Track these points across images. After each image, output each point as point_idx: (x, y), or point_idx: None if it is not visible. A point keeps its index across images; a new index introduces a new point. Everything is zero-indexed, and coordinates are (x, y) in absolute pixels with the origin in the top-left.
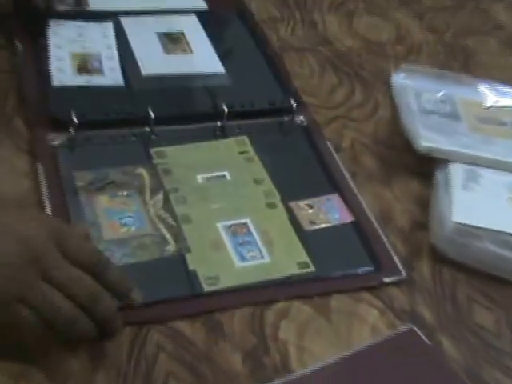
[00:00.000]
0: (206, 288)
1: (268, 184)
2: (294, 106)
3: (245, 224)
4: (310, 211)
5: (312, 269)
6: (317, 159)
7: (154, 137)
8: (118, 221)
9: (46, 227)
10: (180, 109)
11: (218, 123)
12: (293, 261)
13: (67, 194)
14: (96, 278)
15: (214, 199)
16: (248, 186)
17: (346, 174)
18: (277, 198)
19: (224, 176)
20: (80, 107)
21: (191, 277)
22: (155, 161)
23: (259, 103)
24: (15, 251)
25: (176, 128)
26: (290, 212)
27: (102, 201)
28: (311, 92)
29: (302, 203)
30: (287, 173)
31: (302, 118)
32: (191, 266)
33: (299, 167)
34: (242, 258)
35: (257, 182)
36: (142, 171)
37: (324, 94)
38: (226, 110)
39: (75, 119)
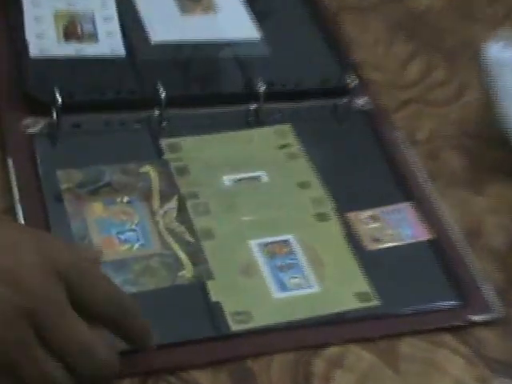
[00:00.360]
0: (234, 327)
1: (317, 189)
2: (353, 84)
3: (286, 242)
4: (374, 225)
5: (375, 302)
6: (383, 156)
7: (165, 123)
8: (116, 236)
9: (42, 253)
10: (200, 87)
11: (252, 106)
12: (350, 291)
13: (47, 199)
14: (111, 328)
15: (246, 209)
16: (291, 192)
17: (422, 176)
18: (329, 208)
19: (258, 178)
20: (66, 84)
21: (214, 312)
22: (167, 156)
23: (307, 81)
24: (2, 296)
25: (195, 112)
26: (346, 226)
27: (95, 209)
28: (376, 66)
29: (363, 215)
30: (343, 174)
31: (363, 100)
32: (214, 298)
33: (359, 166)
34: (282, 287)
35: (302, 185)
36: (149, 170)
37: (393, 68)
38: (262, 89)
39: (59, 99)
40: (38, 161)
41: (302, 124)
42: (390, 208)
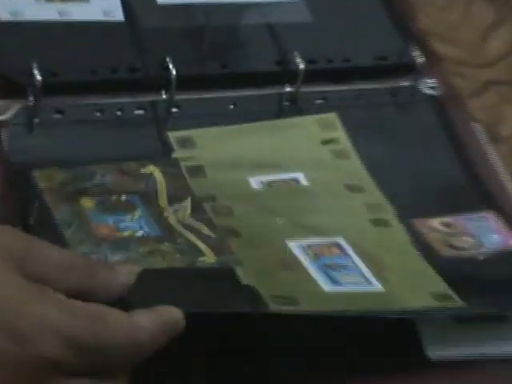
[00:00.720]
0: (274, 307)
1: (373, 193)
2: (419, 61)
3: (336, 244)
4: (448, 230)
5: (459, 303)
6: (456, 154)
7: (175, 111)
8: (114, 224)
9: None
10: (220, 63)
11: (287, 89)
12: (424, 291)
13: (23, 199)
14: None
15: (280, 212)
16: (338, 196)
17: (507, 180)
18: (389, 214)
19: (296, 180)
20: (47, 58)
21: (247, 293)
22: (176, 154)
23: (359, 56)
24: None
25: (213, 96)
26: (412, 232)
27: (85, 204)
28: (448, 37)
29: (434, 221)
30: (405, 176)
31: (430, 82)
32: (245, 281)
33: (425, 166)
34: (334, 282)
35: (353, 189)
36: (153, 171)
37: (471, 40)
38: (301, 66)
39: (38, 78)
40: (9, 157)
41: (351, 112)
42: (468, 216)
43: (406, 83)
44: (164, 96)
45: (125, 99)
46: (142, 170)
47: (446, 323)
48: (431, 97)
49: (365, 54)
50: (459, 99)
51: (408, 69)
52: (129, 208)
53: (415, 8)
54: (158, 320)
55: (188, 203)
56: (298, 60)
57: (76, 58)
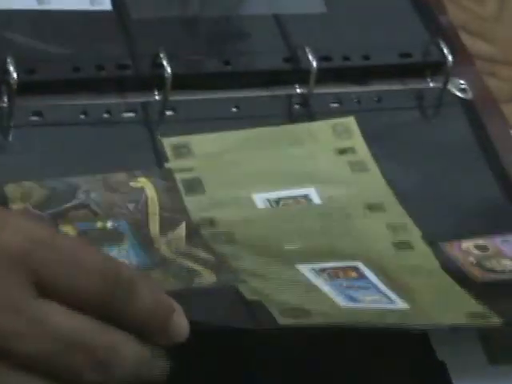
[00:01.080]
0: (283, 321)
1: (396, 212)
2: (449, 59)
3: (353, 267)
4: (483, 253)
5: (497, 320)
6: (490, 165)
7: (169, 113)
8: None
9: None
10: (222, 60)
11: (298, 90)
12: (459, 310)
13: None
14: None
15: (289, 236)
16: (356, 217)
17: None
18: (414, 236)
19: (308, 197)
20: (24, 52)
21: (253, 308)
22: (171, 164)
23: (379, 53)
24: None
25: (214, 97)
26: (441, 256)
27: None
28: (482, 33)
29: (467, 244)
30: (432, 192)
31: (462, 84)
32: (250, 297)
33: (456, 180)
34: (351, 299)
35: (373, 208)
36: (145, 184)
37: (508, 36)
38: (314, 64)
39: (14, 76)
40: None
41: (371, 118)
42: (505, 237)
43: (433, 84)
44: (157, 97)
45: (112, 100)
46: (132, 184)
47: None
48: (462, 100)
49: (386, 51)
50: (494, 103)
51: (435, 68)
52: (116, 238)
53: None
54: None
55: (182, 230)
56: (310, 57)
57: (57, 52)
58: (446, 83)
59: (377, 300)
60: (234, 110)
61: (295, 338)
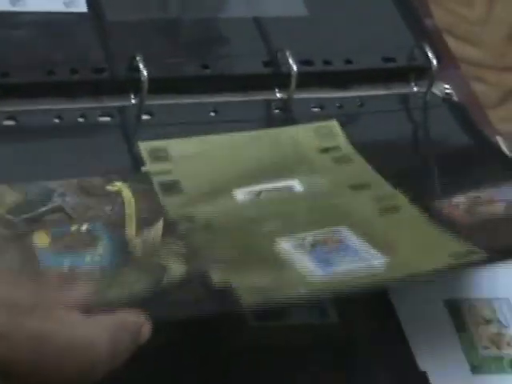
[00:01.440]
0: (248, 300)
1: (381, 186)
2: (434, 63)
3: (337, 232)
4: (473, 201)
5: (480, 255)
6: (476, 176)
7: (146, 117)
8: (69, 269)
9: None
10: (200, 63)
11: (278, 94)
12: (442, 252)
13: None
14: None
15: (269, 219)
16: (341, 195)
17: None
18: (401, 200)
19: (291, 188)
20: None
21: (221, 293)
22: (148, 167)
23: (362, 57)
24: None
25: (191, 102)
26: (430, 211)
27: (38, 240)
28: (468, 37)
29: (458, 199)
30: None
31: (446, 88)
32: (218, 279)
33: (439, 191)
34: (328, 263)
35: (357, 187)
36: (121, 188)
37: (495, 40)
38: (294, 68)
39: None
40: None
41: (354, 122)
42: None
43: (417, 89)
44: (133, 101)
45: (88, 104)
46: (108, 188)
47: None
48: (447, 106)
49: (369, 55)
50: (480, 108)
51: (420, 72)
52: (90, 243)
53: (430, 2)
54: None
55: (160, 228)
56: (291, 61)
57: (31, 55)
58: (430, 87)
59: (355, 260)
60: (212, 114)
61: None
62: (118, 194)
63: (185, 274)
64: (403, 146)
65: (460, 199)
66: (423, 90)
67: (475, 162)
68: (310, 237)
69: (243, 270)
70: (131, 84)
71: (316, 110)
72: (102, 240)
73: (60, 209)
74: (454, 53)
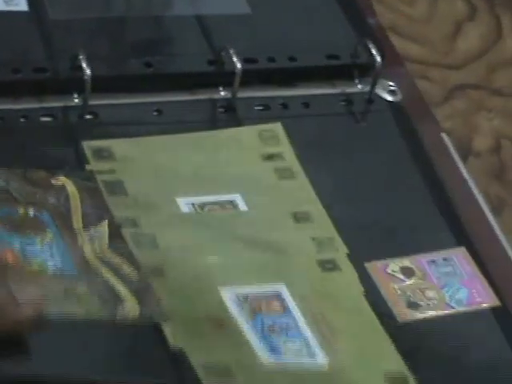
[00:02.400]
0: (207, 379)
1: (322, 224)
2: (378, 61)
3: (277, 296)
4: (408, 282)
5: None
6: (421, 174)
7: (89, 117)
8: (20, 250)
9: None
10: (143, 62)
11: (222, 93)
12: (378, 370)
13: None
14: None
15: (212, 246)
16: (281, 227)
17: (483, 206)
18: (340, 252)
19: (233, 203)
20: None
21: (176, 360)
22: (92, 166)
23: (306, 55)
24: None
25: (135, 101)
26: (366, 282)
27: None
28: (412, 34)
29: (392, 266)
30: (360, 201)
31: (391, 87)
32: (174, 341)
33: (385, 190)
34: (274, 350)
35: (299, 218)
36: (66, 183)
37: (439, 38)
38: (238, 66)
39: None
40: None
41: (299, 122)
42: (432, 256)
43: (361, 86)
44: (76, 100)
45: (29, 104)
46: (53, 181)
47: None
48: (392, 104)
49: (313, 52)
50: (424, 106)
51: (364, 70)
52: (38, 228)
53: (373, 0)
54: None
55: (105, 228)
56: (235, 59)
57: None
58: (374, 85)
59: (298, 351)
60: (156, 114)
61: None
62: (63, 187)
63: (139, 316)
64: (345, 159)
65: (394, 266)
66: (368, 87)
67: (415, 194)
68: (250, 297)
69: (199, 334)
70: (74, 83)
71: (260, 108)
72: (50, 229)
73: (6, 190)
74: (398, 51)
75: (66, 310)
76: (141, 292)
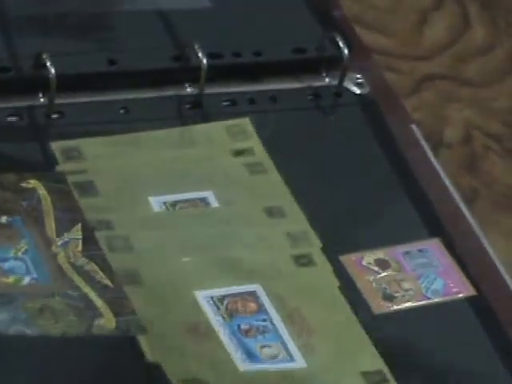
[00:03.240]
0: None
1: (295, 218)
2: (345, 53)
3: (252, 294)
4: (384, 274)
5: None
6: (392, 166)
7: (55, 117)
8: None
9: None
10: (107, 58)
11: (189, 89)
12: (354, 369)
13: None
14: None
15: (186, 245)
16: (254, 222)
17: (456, 197)
18: (314, 247)
19: (205, 200)
20: None
21: (153, 376)
22: (62, 166)
23: (272, 49)
24: None
25: (102, 99)
26: (341, 276)
27: None
28: (378, 25)
29: (367, 258)
30: (331, 194)
31: (359, 79)
32: (151, 358)
33: (356, 183)
34: (251, 356)
35: (272, 212)
36: (36, 185)
37: (406, 28)
38: (204, 62)
39: None
40: None
41: (267, 117)
42: (407, 247)
43: (329, 80)
44: (42, 100)
45: None
46: (23, 184)
47: None
48: (360, 96)
49: (279, 46)
50: (393, 98)
51: (331, 63)
52: (12, 236)
53: None
54: None
55: (79, 233)
56: (200, 54)
57: None
58: (342, 78)
59: (275, 356)
60: (122, 112)
61: None
62: (34, 190)
63: (115, 329)
64: (315, 153)
65: (369, 259)
66: (335, 81)
67: (387, 193)
68: (226, 298)
69: (175, 348)
70: (39, 82)
71: (227, 104)
72: (24, 236)
73: None
74: (365, 42)
75: (41, 328)
76: (116, 302)
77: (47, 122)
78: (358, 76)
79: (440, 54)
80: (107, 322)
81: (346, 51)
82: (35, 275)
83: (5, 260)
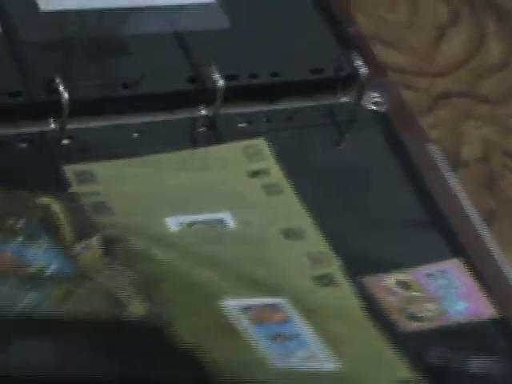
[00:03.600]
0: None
1: (314, 239)
2: (362, 71)
3: (277, 307)
4: (406, 295)
5: None
6: (410, 185)
7: (67, 142)
8: (14, 253)
9: None
10: (121, 82)
11: (204, 111)
12: (388, 377)
13: None
14: None
15: (206, 262)
16: (273, 244)
17: (475, 217)
18: (334, 267)
19: (222, 221)
20: None
21: (187, 362)
22: (75, 188)
23: (289, 70)
24: None
25: (114, 123)
26: (364, 296)
27: None
28: (394, 42)
29: (388, 280)
30: (349, 214)
31: (376, 97)
32: (187, 338)
33: (374, 203)
34: (282, 356)
35: (290, 234)
36: (51, 203)
37: (422, 45)
38: (220, 83)
39: None
40: None
41: (283, 137)
42: (428, 268)
43: (346, 99)
44: (53, 125)
45: (5, 130)
46: (38, 200)
47: None
48: (377, 115)
49: (296, 67)
50: (410, 116)
51: (348, 82)
52: (32, 235)
53: (354, 8)
54: None
55: (96, 242)
56: (216, 76)
57: None
58: (359, 97)
59: (306, 358)
60: (136, 135)
61: None
62: (48, 206)
63: (146, 315)
64: (332, 170)
65: (390, 281)
66: (352, 99)
67: (406, 214)
68: (253, 308)
69: (207, 340)
70: (50, 107)
71: (243, 125)
72: (43, 239)
73: None
74: (381, 60)
75: (68, 314)
76: (145, 292)
77: (59, 147)
78: (375, 94)
79: (457, 70)
80: (136, 308)
81: (362, 70)
82: (59, 265)
83: (27, 252)
